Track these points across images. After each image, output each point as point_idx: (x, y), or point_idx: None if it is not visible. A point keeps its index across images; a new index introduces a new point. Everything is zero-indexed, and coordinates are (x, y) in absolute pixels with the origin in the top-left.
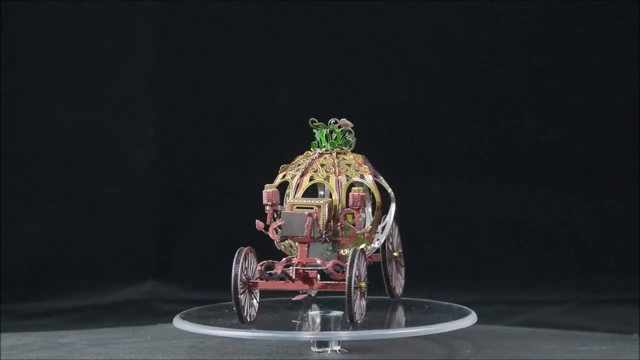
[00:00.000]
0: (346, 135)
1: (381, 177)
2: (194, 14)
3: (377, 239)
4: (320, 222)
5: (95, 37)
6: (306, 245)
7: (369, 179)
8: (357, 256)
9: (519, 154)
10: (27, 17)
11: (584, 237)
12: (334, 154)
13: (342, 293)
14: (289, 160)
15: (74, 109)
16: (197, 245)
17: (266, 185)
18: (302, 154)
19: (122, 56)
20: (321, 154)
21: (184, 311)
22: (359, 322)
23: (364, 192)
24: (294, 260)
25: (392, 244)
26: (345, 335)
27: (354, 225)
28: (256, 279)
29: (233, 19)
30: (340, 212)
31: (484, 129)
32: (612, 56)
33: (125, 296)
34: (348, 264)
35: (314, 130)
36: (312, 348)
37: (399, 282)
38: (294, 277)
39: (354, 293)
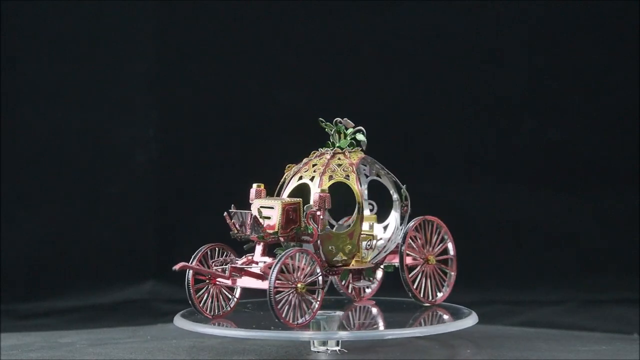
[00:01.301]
0: (356, 135)
1: (395, 179)
2: (194, 14)
3: (391, 240)
4: (276, 222)
5: (95, 37)
6: (261, 244)
7: (352, 181)
8: (284, 256)
9: (519, 154)
10: (27, 17)
11: (584, 237)
12: (329, 154)
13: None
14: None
15: (74, 109)
16: (197, 245)
17: (254, 184)
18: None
19: (122, 56)
20: (322, 154)
21: (185, 310)
22: (293, 323)
23: (325, 193)
24: (250, 259)
25: (431, 247)
26: (345, 335)
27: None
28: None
29: (233, 19)
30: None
31: (484, 129)
32: (612, 56)
33: (125, 296)
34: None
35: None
36: (312, 348)
37: (435, 288)
38: (227, 274)
39: (287, 292)
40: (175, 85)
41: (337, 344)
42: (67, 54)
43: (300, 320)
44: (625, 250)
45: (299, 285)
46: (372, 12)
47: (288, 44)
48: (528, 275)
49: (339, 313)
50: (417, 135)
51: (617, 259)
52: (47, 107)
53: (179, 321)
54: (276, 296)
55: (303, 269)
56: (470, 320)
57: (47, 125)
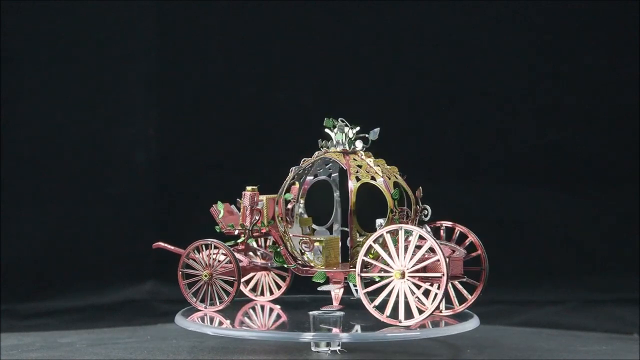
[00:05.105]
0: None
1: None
2: (194, 14)
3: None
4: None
5: (96, 37)
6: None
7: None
8: (191, 246)
9: (519, 154)
10: (27, 17)
11: (584, 237)
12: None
13: None
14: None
15: (74, 109)
16: None
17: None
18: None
19: (122, 56)
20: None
21: (185, 309)
22: (201, 305)
23: (251, 191)
24: None
25: (408, 261)
26: (346, 335)
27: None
28: None
29: (233, 19)
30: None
31: (484, 129)
32: (612, 56)
33: (125, 296)
34: None
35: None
36: (312, 348)
37: (412, 307)
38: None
39: (197, 279)
40: (175, 85)
41: (338, 344)
42: (67, 54)
43: (210, 307)
44: (625, 250)
45: (204, 273)
46: (372, 12)
47: (288, 44)
48: (528, 275)
49: (339, 313)
50: (418, 135)
51: (617, 259)
52: (47, 107)
53: (180, 320)
54: (184, 280)
55: (214, 259)
56: (472, 323)
57: (47, 125)
